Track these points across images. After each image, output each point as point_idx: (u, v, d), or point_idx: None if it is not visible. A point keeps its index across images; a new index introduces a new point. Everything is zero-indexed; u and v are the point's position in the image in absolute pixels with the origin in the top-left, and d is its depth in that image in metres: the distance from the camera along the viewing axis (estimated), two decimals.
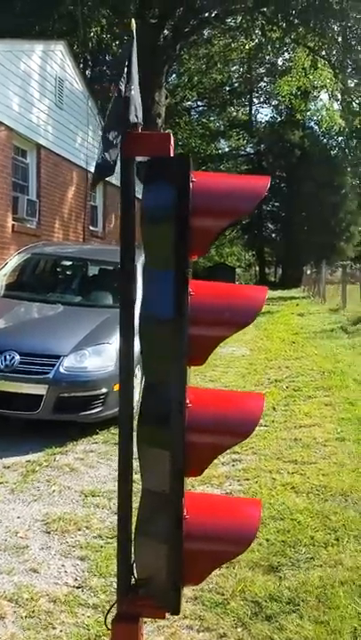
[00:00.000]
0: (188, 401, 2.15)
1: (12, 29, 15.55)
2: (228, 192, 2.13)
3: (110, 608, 2.35)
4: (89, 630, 3.01)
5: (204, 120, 39.12)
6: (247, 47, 26.76)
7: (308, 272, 32.32)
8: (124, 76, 2.17)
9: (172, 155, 2.17)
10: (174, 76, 33.52)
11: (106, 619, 2.37)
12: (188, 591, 3.33)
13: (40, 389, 5.64)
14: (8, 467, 5.13)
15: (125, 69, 2.18)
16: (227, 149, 44.14)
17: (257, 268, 50.34)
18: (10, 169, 11.04)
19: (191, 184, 2.08)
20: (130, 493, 2.31)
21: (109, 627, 2.32)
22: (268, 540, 3.91)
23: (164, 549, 2.16)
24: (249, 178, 2.23)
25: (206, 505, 2.36)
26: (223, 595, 3.32)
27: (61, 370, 5.64)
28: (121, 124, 2.14)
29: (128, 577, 2.29)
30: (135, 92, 2.21)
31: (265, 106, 44.84)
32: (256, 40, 25.31)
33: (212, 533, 2.22)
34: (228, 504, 2.51)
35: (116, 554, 2.31)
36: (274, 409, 7.09)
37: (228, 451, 5.57)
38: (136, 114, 2.22)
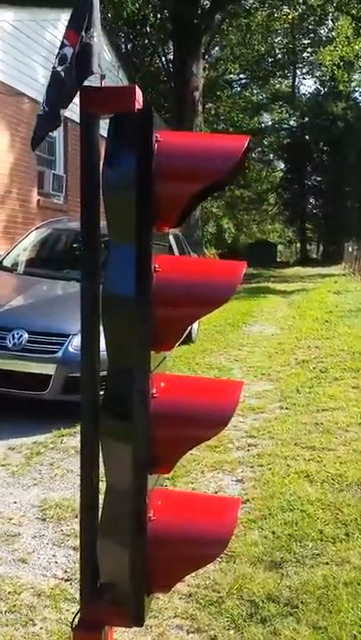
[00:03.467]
0: (154, 390, 1.91)
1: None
2: (199, 152, 1.85)
3: (77, 613, 2.15)
4: (71, 628, 2.83)
5: (246, 93, 38.23)
6: (290, 17, 25.94)
7: (350, 249, 31.48)
8: (84, 21, 1.91)
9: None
10: (217, 48, 32.81)
11: (72, 624, 2.18)
12: (181, 587, 3.14)
13: (48, 369, 5.48)
14: (13, 448, 5.01)
15: (86, 14, 1.92)
16: (269, 123, 43.20)
17: (298, 245, 49.47)
18: None
19: (156, 144, 1.82)
20: (95, 489, 2.09)
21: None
22: (273, 532, 3.68)
23: (126, 553, 1.95)
24: (224, 136, 1.95)
25: (178, 504, 2.13)
26: (219, 592, 3.12)
27: (70, 349, 5.47)
28: (80, 72, 1.89)
29: (92, 581, 2.08)
30: (97, 40, 1.94)
31: (308, 77, 43.64)
32: (299, 9, 24.52)
33: (181, 536, 1.98)
34: (204, 503, 2.27)
35: (79, 556, 2.10)
36: (297, 391, 6.81)
37: (243, 434, 5.42)
38: (99, 64, 1.96)
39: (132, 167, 1.82)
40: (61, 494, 4.17)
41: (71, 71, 1.96)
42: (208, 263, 2.22)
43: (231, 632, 2.83)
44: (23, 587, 3.13)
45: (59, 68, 1.95)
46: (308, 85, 64.63)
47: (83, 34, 1.91)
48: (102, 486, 2.06)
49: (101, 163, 1.93)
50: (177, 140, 1.88)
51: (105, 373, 1.97)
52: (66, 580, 3.23)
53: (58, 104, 1.93)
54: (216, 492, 4.26)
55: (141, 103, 1.92)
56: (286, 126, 44.32)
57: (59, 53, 1.96)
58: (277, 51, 36.61)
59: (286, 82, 42.35)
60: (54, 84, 1.93)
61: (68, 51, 1.94)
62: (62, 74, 1.94)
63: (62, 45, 1.96)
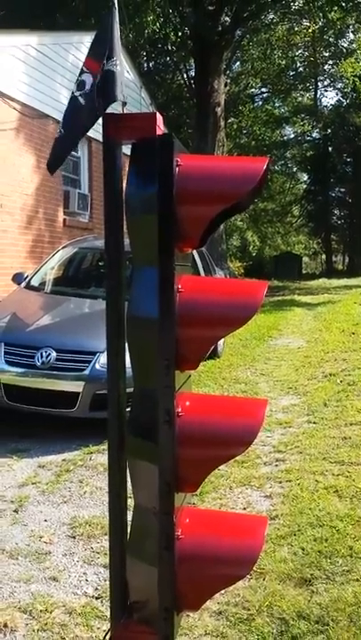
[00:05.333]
0: (179, 409, 1.93)
1: (69, 26, 15.64)
2: (219, 175, 1.89)
3: (107, 632, 2.17)
4: None
5: (268, 107, 38.30)
6: (310, 30, 26.01)
7: None
8: (106, 49, 1.97)
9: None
10: (238, 63, 33.01)
11: None
12: (211, 604, 3.14)
13: (76, 387, 5.54)
14: (43, 465, 5.06)
15: (107, 43, 1.97)
16: (292, 136, 43.19)
17: (323, 256, 49.18)
18: None
19: (177, 168, 1.86)
20: (123, 510, 2.12)
21: None
22: (303, 549, 3.66)
23: (154, 572, 1.96)
24: (243, 159, 1.99)
25: (205, 522, 2.14)
26: (249, 610, 3.10)
27: (97, 366, 5.52)
28: (103, 99, 1.94)
29: (121, 599, 2.10)
30: (120, 68, 2.00)
31: (330, 89, 43.46)
32: (319, 22, 24.57)
33: (209, 555, 1.99)
34: (230, 521, 2.28)
35: (109, 575, 2.12)
36: (325, 405, 6.76)
37: (271, 449, 5.40)
38: (122, 91, 2.01)
39: (153, 191, 1.86)
40: (91, 512, 4.20)
41: (91, 98, 2.01)
42: (230, 283, 2.23)
43: None
44: (55, 605, 3.16)
45: (77, 94, 2.01)
46: (330, 97, 64.52)
47: (104, 62, 1.97)
48: (131, 503, 2.09)
49: (124, 184, 1.99)
50: (197, 164, 1.92)
51: (132, 390, 2.01)
52: (97, 598, 3.25)
53: (75, 129, 1.98)
54: (245, 508, 4.25)
55: (162, 128, 1.97)
56: (309, 138, 44.25)
57: (78, 80, 2.02)
58: (298, 64, 36.65)
59: (308, 94, 42.34)
60: (72, 108, 1.99)
61: (87, 77, 2.01)
62: (80, 99, 2.00)
63: (81, 72, 2.03)
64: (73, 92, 1.88)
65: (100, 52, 1.93)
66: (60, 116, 10.58)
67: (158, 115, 1.96)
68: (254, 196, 2.06)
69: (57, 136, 1.93)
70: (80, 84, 1.89)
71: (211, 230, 2.04)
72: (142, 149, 1.93)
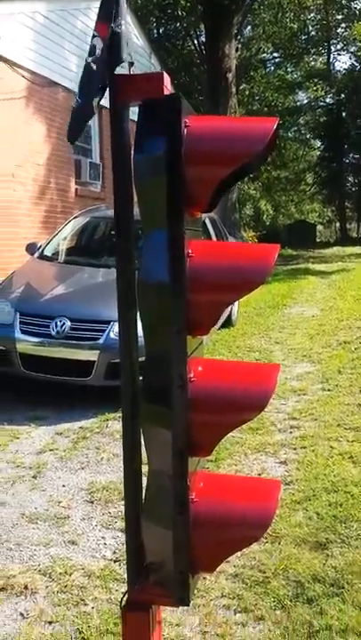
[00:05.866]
0: (191, 374, 1.93)
1: None
2: (228, 136, 1.85)
3: (125, 593, 2.20)
4: (121, 608, 2.90)
5: (280, 72, 37.59)
6: None
7: None
8: (113, 12, 1.92)
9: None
10: (249, 28, 32.34)
11: (121, 603, 2.23)
12: (227, 567, 3.18)
13: (91, 355, 5.58)
14: (60, 433, 5.12)
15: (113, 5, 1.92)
16: (305, 101, 42.41)
17: (338, 224, 48.66)
18: None
19: (185, 129, 1.83)
20: (138, 473, 2.13)
21: None
22: (318, 514, 3.68)
23: (169, 535, 1.98)
24: (252, 119, 1.94)
25: (219, 486, 2.15)
26: (265, 573, 3.14)
27: (112, 335, 5.54)
28: (110, 61, 1.90)
29: (137, 562, 2.13)
30: (125, 28, 1.95)
31: (343, 53, 42.45)
32: None
33: (223, 518, 2.01)
34: (245, 485, 2.29)
35: (125, 538, 2.15)
36: (339, 372, 6.75)
37: (285, 417, 5.41)
38: (128, 52, 1.97)
39: (161, 153, 1.83)
40: (108, 477, 4.25)
41: (101, 61, 1.97)
42: (241, 247, 2.20)
43: (278, 612, 2.85)
44: (74, 568, 3.22)
45: (89, 60, 1.97)
46: (343, 62, 63.15)
47: (112, 24, 1.92)
48: (145, 469, 2.11)
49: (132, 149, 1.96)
50: (206, 125, 1.88)
51: (144, 359, 2.00)
52: (115, 561, 3.30)
53: (90, 95, 1.95)
54: (260, 474, 4.28)
55: (170, 89, 1.93)
56: (322, 104, 43.45)
57: (90, 45, 1.98)
58: (311, 27, 35.87)
59: (321, 59, 41.47)
60: (86, 75, 1.96)
61: (97, 42, 1.96)
62: (93, 65, 1.96)
63: (93, 37, 1.98)
64: (86, 59, 1.85)
65: (109, 14, 1.88)
66: (69, 84, 10.49)
67: (166, 75, 1.92)
68: (264, 157, 2.02)
69: (74, 105, 1.89)
70: (92, 50, 1.85)
71: (220, 193, 2.01)
72: (149, 110, 1.90)
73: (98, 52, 1.94)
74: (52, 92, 10.44)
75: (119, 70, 1.98)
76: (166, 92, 1.90)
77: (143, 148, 1.89)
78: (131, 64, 1.98)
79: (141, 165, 1.90)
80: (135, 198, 1.99)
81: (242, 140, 1.82)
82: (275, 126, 1.83)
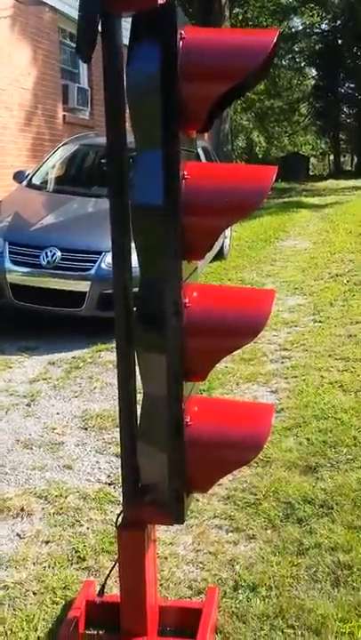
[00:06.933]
0: (186, 299, 1.91)
1: None
2: (227, 49, 1.77)
3: (120, 513, 2.26)
4: (116, 527, 2.99)
5: None
6: None
7: None
8: None
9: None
10: None
11: (116, 523, 2.29)
12: (220, 490, 3.26)
13: (82, 286, 5.54)
14: (53, 363, 5.15)
15: None
16: (300, 28, 40.90)
17: (331, 157, 47.87)
18: (57, 55, 10.43)
19: (180, 41, 1.74)
20: (133, 397, 2.15)
21: None
22: (308, 439, 3.76)
23: (164, 457, 2.01)
24: (252, 31, 1.87)
25: (213, 410, 2.18)
26: (256, 495, 3.22)
27: (103, 266, 5.49)
28: None
29: (133, 482, 2.17)
30: None
31: None
32: None
33: (217, 440, 2.04)
34: (239, 409, 2.32)
35: (120, 459, 2.18)
36: (331, 304, 6.76)
37: (277, 347, 5.45)
38: None
39: (155, 67, 1.75)
40: (101, 405, 4.30)
41: None
42: (238, 168, 2.12)
43: (269, 531, 2.94)
44: (69, 490, 3.29)
45: None
46: None
47: None
48: (139, 397, 2.12)
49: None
50: (203, 37, 1.80)
51: (137, 289, 1.98)
52: (109, 484, 3.38)
53: (91, 3, 1.81)
54: None
55: None
56: (318, 30, 41.93)
57: None
58: None
59: None
60: None
61: None
62: None
63: None
64: None
65: None
66: (56, 3, 10.02)
67: None
68: (262, 73, 1.94)
69: (78, 15, 1.76)
70: None
71: (216, 113, 1.94)
72: (143, 22, 1.80)
73: None
74: (38, 12, 9.98)
75: None
76: (160, 1, 1.80)
77: (136, 62, 1.80)
78: None
79: (134, 80, 1.82)
80: (128, 120, 1.92)
81: (242, 54, 1.75)
82: (275, 39, 1.75)
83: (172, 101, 1.75)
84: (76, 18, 1.87)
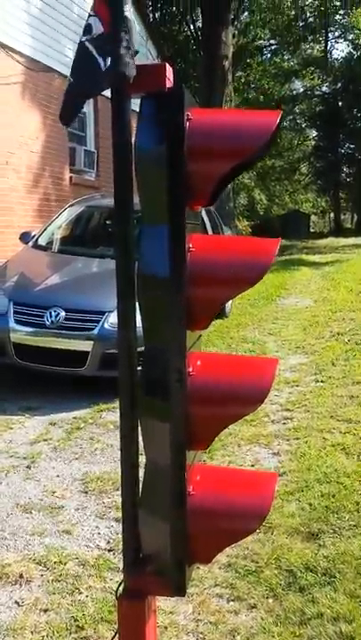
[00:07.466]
0: (190, 368, 1.94)
1: None
2: (231, 130, 1.85)
3: (120, 583, 2.22)
4: (116, 597, 2.93)
5: (277, 59, 37.40)
6: None
7: None
8: None
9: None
10: (246, 14, 32.09)
11: (117, 593, 2.25)
12: (221, 557, 3.20)
13: (85, 346, 5.58)
14: (54, 423, 5.13)
15: None
16: (301, 90, 42.25)
17: (332, 215, 48.67)
18: None
19: (187, 123, 1.82)
20: (135, 463, 2.14)
21: None
22: (310, 504, 3.71)
23: (167, 526, 2.00)
24: (256, 112, 1.94)
25: (216, 479, 2.17)
26: (257, 562, 3.18)
27: (106, 326, 5.55)
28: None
29: (134, 552, 2.15)
30: (130, 16, 1.93)
31: (340, 41, 42.26)
32: None
33: (220, 510, 2.03)
34: (242, 477, 2.31)
35: (122, 528, 2.16)
36: (333, 364, 6.78)
37: (279, 408, 5.44)
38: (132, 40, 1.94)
39: (163, 147, 1.83)
40: (102, 468, 4.27)
41: (100, 45, 1.92)
42: (241, 241, 2.18)
43: (270, 600, 2.89)
44: (68, 557, 3.24)
45: (83, 39, 1.92)
46: (340, 50, 62.80)
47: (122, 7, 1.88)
48: (142, 460, 2.12)
49: (133, 140, 1.95)
50: (208, 118, 1.88)
51: (142, 349, 2.01)
52: (109, 551, 3.33)
53: (85, 76, 1.90)
54: (253, 465, 4.31)
55: (172, 81, 1.92)
56: (319, 93, 43.32)
57: (85, 24, 1.92)
58: (308, 14, 35.61)
59: (318, 46, 41.22)
60: (80, 55, 1.90)
61: (94, 21, 1.90)
62: (88, 45, 1.91)
63: (89, 16, 1.92)
64: (80, 39, 1.80)
65: None
66: (65, 70, 10.38)
67: (168, 66, 1.91)
68: (265, 150, 2.02)
69: (68, 83, 1.84)
70: (87, 29, 1.79)
71: (221, 187, 2.01)
72: (152, 103, 1.89)
73: (94, 31, 1.90)
74: (48, 79, 10.36)
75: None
76: (169, 85, 1.89)
77: (145, 140, 1.88)
78: (135, 52, 1.95)
79: (143, 158, 1.89)
80: (135, 189, 1.99)
81: (245, 135, 1.82)
82: (278, 120, 1.83)
83: (179, 179, 1.82)
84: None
